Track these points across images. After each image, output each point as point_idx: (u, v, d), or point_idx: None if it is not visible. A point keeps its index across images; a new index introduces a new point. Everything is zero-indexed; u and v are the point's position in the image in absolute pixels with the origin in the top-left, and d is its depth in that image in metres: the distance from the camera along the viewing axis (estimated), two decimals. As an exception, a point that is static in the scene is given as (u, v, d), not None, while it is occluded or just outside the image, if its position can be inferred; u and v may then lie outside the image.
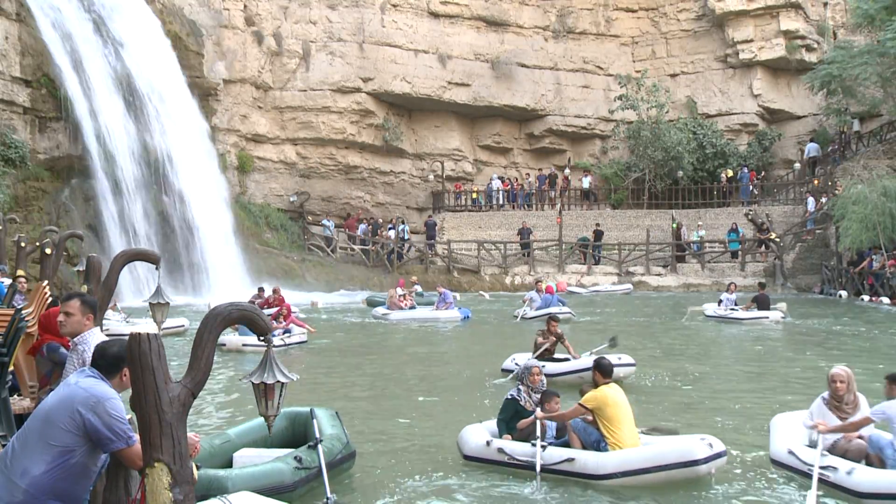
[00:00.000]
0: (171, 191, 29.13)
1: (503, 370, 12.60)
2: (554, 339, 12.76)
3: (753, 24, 37.73)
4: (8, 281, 13.02)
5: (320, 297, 27.60)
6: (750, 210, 35.01)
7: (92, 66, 27.10)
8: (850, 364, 13.88)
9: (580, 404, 7.43)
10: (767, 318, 20.61)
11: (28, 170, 26.04)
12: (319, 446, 6.91)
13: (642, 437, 7.44)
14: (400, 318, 22.25)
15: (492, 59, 38.37)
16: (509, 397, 8.02)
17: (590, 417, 7.41)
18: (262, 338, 4.07)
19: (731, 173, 37.30)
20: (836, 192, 30.43)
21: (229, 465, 7.11)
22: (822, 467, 6.63)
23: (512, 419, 7.83)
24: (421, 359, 15.49)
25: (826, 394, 7.28)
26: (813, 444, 7.07)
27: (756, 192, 37.03)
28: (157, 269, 7.27)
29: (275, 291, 22.93)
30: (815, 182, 34.64)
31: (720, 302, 21.99)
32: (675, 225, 34.94)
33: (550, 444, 7.45)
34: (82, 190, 27.27)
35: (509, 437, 7.71)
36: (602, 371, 7.58)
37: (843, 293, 27.63)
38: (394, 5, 37.02)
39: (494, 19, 38.78)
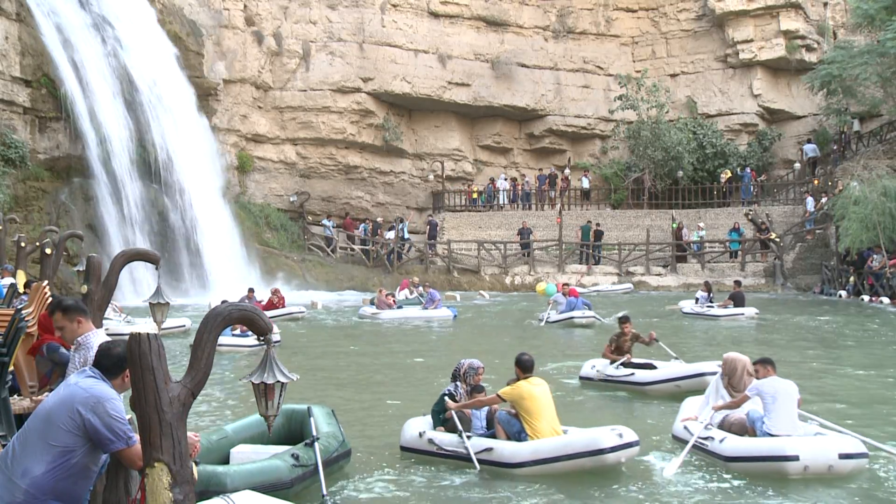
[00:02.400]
0: (171, 191, 29.14)
1: (581, 378, 12.19)
2: (627, 339, 12.02)
3: (753, 24, 37.73)
4: (8, 281, 13.02)
5: (320, 298, 27.58)
6: (750, 210, 35.01)
7: (92, 66, 27.11)
8: (850, 361, 14.05)
9: (497, 395, 7.95)
10: (743, 314, 21.48)
11: (28, 170, 26.05)
12: (316, 444, 7.01)
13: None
14: (391, 318, 22.10)
15: (492, 59, 38.37)
16: (446, 392, 8.34)
17: (512, 410, 7.84)
18: (261, 338, 4.08)
19: (729, 174, 37.28)
20: (836, 192, 30.46)
21: (226, 461, 7.17)
22: (703, 438, 7.84)
23: (445, 412, 8.21)
24: (416, 357, 15.49)
25: (721, 374, 8.68)
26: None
27: (755, 192, 37.02)
28: (156, 269, 7.29)
29: (274, 292, 22.96)
30: (815, 182, 34.64)
31: (697, 300, 23.26)
32: (675, 225, 34.94)
33: (480, 434, 7.92)
34: (82, 190, 27.27)
35: (442, 428, 8.12)
36: (521, 366, 8.00)
37: (843, 293, 27.65)
38: (394, 5, 37.02)
39: (494, 19, 38.77)
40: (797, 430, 7.66)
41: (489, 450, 7.55)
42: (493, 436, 7.91)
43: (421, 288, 26.42)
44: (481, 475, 7.48)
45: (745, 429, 7.93)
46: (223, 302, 17.96)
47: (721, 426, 8.08)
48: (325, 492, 6.71)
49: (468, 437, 7.71)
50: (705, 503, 6.90)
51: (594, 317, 20.42)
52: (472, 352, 16.17)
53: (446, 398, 8.27)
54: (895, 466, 7.64)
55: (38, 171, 26.57)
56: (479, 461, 7.54)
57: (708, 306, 22.54)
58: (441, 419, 8.20)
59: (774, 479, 7.20)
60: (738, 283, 24.92)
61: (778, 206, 35.84)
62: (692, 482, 7.33)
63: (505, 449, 7.53)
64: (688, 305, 23.59)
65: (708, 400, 8.61)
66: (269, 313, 20.75)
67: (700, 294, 23.52)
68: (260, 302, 21.90)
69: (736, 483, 7.24)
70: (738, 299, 22.15)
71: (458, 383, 8.38)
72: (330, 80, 35.99)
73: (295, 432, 7.76)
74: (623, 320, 12.18)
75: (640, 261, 34.49)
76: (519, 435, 7.73)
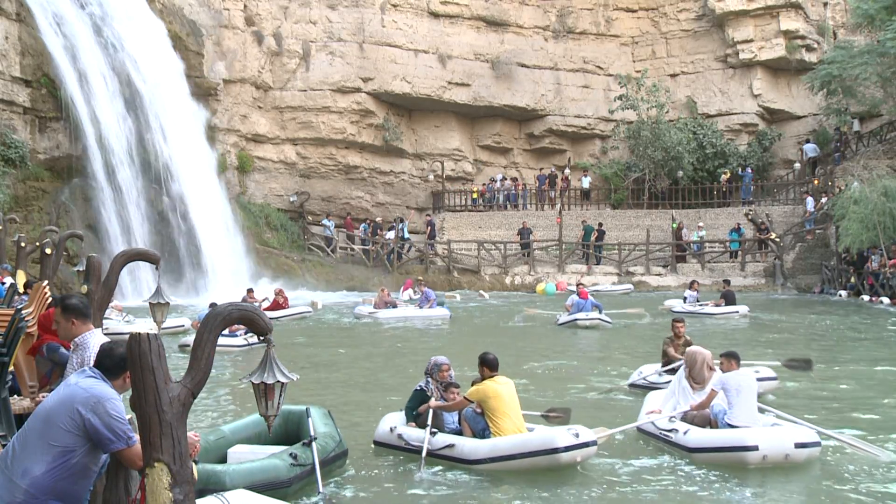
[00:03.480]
0: (171, 191, 29.13)
1: (630, 385, 11.48)
2: (680, 343, 11.17)
3: (753, 24, 37.73)
4: (9, 280, 13.03)
5: (320, 298, 27.56)
6: (750, 210, 35.02)
7: (92, 66, 27.11)
8: (836, 358, 14.08)
9: (465, 397, 8.10)
10: (738, 312, 22.07)
11: (28, 170, 26.06)
12: (314, 444, 7.08)
13: (531, 424, 8.17)
14: (387, 318, 21.95)
15: (492, 59, 38.36)
16: (418, 388, 8.55)
17: (478, 409, 8.02)
18: (262, 338, 4.07)
19: (728, 174, 37.26)
20: (835, 192, 30.46)
21: (224, 461, 7.21)
22: (667, 430, 8.25)
23: (418, 408, 8.44)
24: (411, 356, 15.46)
25: (684, 367, 9.01)
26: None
27: (755, 192, 37.03)
28: (157, 269, 7.29)
29: (278, 293, 23.01)
30: (815, 182, 34.64)
31: (685, 299, 23.87)
32: (675, 225, 34.94)
33: (451, 430, 8.14)
34: (82, 190, 27.27)
35: (413, 423, 8.31)
36: (488, 365, 8.13)
37: (844, 293, 27.66)
38: (394, 5, 37.01)
39: (494, 19, 38.77)
40: (757, 421, 8.09)
41: (451, 446, 7.75)
42: (461, 432, 8.11)
43: (405, 289, 26.40)
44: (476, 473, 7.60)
45: (708, 421, 8.31)
46: (211, 305, 17.96)
47: (684, 419, 8.43)
48: (321, 489, 6.76)
49: (433, 434, 7.89)
50: (668, 494, 7.17)
51: (599, 319, 19.74)
52: (464, 351, 16.19)
53: (428, 395, 8.46)
54: (846, 455, 8.07)
55: (38, 171, 26.57)
56: (442, 457, 7.75)
57: (700, 305, 23.04)
58: (413, 415, 8.40)
59: (736, 469, 7.62)
60: (727, 282, 26.01)
61: (778, 206, 35.85)
62: (656, 475, 7.63)
63: (465, 446, 7.74)
64: (677, 304, 23.88)
65: (673, 392, 8.95)
66: (275, 313, 21.07)
67: (688, 293, 23.98)
68: (261, 301, 21.97)
69: (696, 473, 7.60)
70: (729, 298, 22.73)
71: (430, 379, 8.57)
72: (330, 80, 35.99)
73: (292, 433, 7.80)
74: (676, 321, 11.57)
75: (640, 261, 34.48)
76: (483, 432, 7.92)
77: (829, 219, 30.57)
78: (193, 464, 3.96)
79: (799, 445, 7.65)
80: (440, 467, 7.73)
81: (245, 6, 34.97)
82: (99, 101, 27.02)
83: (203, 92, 32.23)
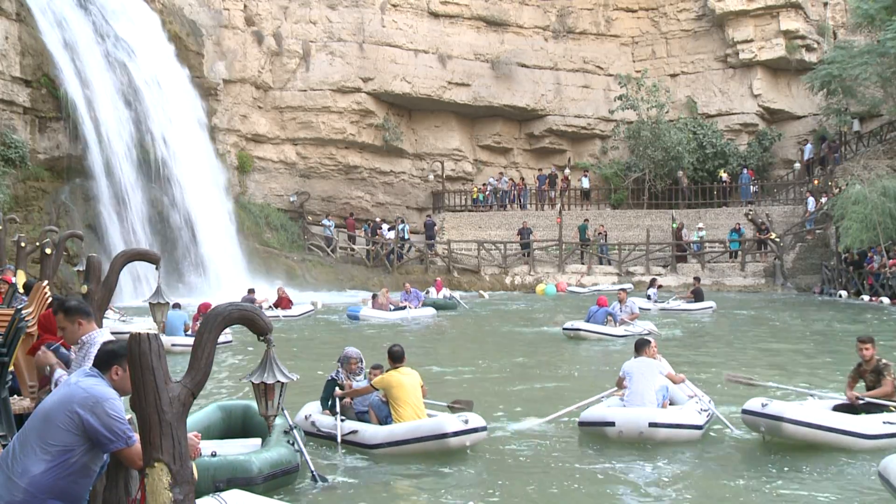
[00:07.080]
0: (171, 191, 29.13)
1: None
2: (868, 370, 8.76)
3: (753, 24, 37.71)
4: (12, 279, 13.00)
5: (320, 298, 27.54)
6: (750, 210, 35.01)
7: (92, 65, 27.11)
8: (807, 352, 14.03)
9: (370, 384, 8.72)
10: (711, 307, 23.37)
11: (28, 170, 26.03)
12: (295, 431, 7.55)
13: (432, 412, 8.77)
14: (381, 319, 21.87)
15: (492, 59, 38.36)
16: (330, 378, 9.08)
17: (384, 398, 8.63)
18: (261, 338, 4.08)
19: (724, 174, 37.21)
20: (834, 192, 30.46)
21: None
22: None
23: (331, 397, 8.98)
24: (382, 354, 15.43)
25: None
26: None
27: (755, 192, 37.01)
28: (157, 269, 7.29)
29: (283, 291, 23.17)
30: (815, 182, 34.63)
31: (649, 297, 24.43)
32: (675, 225, 34.92)
33: (359, 416, 8.76)
34: (82, 190, 27.25)
35: (328, 412, 8.87)
36: (392, 357, 8.76)
37: (844, 293, 27.65)
38: (394, 5, 37.01)
39: (494, 19, 38.76)
40: (646, 403, 8.82)
41: (355, 432, 8.43)
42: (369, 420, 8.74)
43: (438, 290, 26.42)
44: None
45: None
46: (174, 306, 17.73)
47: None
48: (312, 469, 7.27)
49: (342, 421, 8.53)
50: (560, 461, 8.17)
51: (586, 331, 17.46)
52: (454, 351, 16.18)
53: (340, 384, 9.01)
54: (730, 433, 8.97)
55: (38, 171, 26.55)
56: (349, 442, 8.41)
57: (669, 301, 24.01)
58: (329, 404, 8.96)
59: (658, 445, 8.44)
60: (697, 279, 27.34)
61: (778, 206, 35.84)
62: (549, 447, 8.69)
63: (367, 431, 8.41)
64: (640, 302, 22.51)
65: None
66: (282, 312, 21.69)
67: (651, 291, 24.68)
68: (261, 302, 22.04)
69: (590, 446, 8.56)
70: (698, 294, 24.04)
71: (340, 370, 9.09)
72: (330, 80, 35.99)
73: (234, 427, 8.20)
74: (862, 340, 8.88)
75: (640, 261, 34.48)
76: (386, 419, 8.53)
77: (829, 219, 30.56)
78: (193, 464, 3.95)
79: (652, 425, 8.50)
80: (399, 456, 8.21)
81: (245, 6, 34.97)
82: (99, 101, 27.00)
83: (203, 92, 32.22)
